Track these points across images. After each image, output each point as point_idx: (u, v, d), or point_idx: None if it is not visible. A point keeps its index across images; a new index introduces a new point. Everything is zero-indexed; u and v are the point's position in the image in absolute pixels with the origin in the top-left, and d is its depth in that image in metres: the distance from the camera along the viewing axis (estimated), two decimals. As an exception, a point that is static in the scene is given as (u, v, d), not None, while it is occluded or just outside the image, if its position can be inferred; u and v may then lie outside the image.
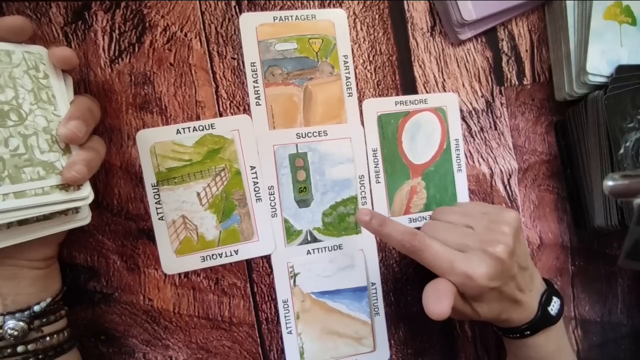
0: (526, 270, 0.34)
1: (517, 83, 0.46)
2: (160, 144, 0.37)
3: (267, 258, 0.40)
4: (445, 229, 0.34)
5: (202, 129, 0.38)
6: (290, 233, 0.40)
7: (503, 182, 0.45)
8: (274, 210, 0.40)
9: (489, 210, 0.35)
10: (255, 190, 0.39)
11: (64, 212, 0.30)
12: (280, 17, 0.39)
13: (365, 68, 0.42)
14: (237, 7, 0.39)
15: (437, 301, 0.30)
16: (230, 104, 0.39)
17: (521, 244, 0.34)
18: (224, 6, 0.38)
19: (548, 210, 0.47)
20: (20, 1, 0.35)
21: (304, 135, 0.40)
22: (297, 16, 0.40)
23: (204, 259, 0.38)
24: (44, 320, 0.30)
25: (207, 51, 0.38)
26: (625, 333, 0.50)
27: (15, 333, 0.28)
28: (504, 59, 0.45)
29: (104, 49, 0.36)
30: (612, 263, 0.49)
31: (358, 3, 0.41)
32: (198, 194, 0.38)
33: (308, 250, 0.40)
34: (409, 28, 0.43)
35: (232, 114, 0.39)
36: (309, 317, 0.40)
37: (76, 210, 0.30)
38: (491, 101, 0.45)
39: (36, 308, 0.29)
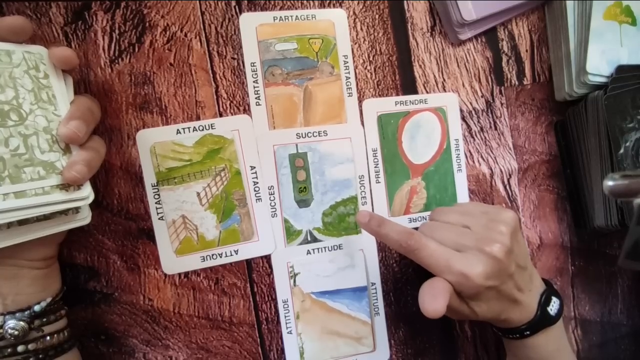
0: (525, 269, 0.34)
1: (517, 83, 0.46)
2: (160, 144, 0.37)
3: (267, 258, 0.40)
4: (442, 228, 0.34)
5: (202, 129, 0.38)
6: (290, 233, 0.40)
7: (503, 182, 0.45)
8: (274, 210, 0.40)
9: (487, 210, 0.35)
10: (255, 190, 0.39)
11: (64, 212, 0.30)
12: (280, 17, 0.39)
13: (365, 68, 0.42)
14: (237, 7, 0.39)
15: (432, 299, 0.30)
16: (230, 104, 0.39)
17: (519, 243, 0.34)
18: (224, 6, 0.38)
19: (548, 210, 0.47)
20: (20, 1, 0.35)
21: (304, 135, 0.40)
22: (297, 16, 0.40)
23: (204, 259, 0.38)
24: (44, 320, 0.30)
25: (207, 51, 0.38)
26: (625, 333, 0.50)
27: (16, 333, 0.28)
28: (504, 59, 0.45)
29: (104, 49, 0.36)
30: (612, 263, 0.49)
31: (358, 3, 0.41)
32: (198, 194, 0.38)
33: (308, 250, 0.40)
34: (409, 28, 0.43)
35: (232, 114, 0.39)
36: (309, 317, 0.40)
37: (76, 210, 0.30)
38: (491, 101, 0.45)
39: (36, 308, 0.29)
